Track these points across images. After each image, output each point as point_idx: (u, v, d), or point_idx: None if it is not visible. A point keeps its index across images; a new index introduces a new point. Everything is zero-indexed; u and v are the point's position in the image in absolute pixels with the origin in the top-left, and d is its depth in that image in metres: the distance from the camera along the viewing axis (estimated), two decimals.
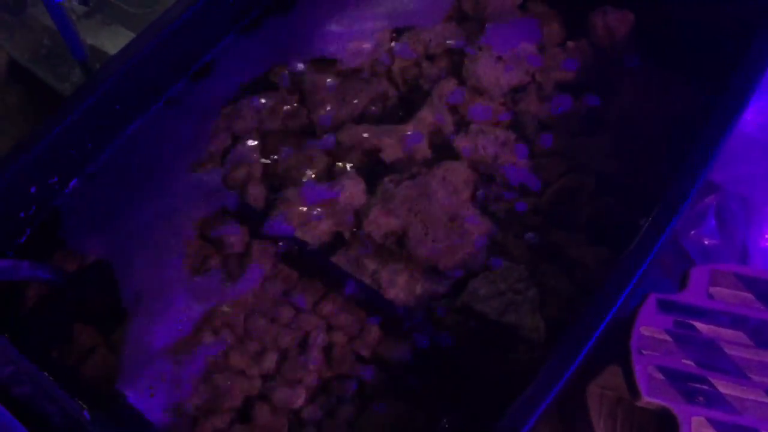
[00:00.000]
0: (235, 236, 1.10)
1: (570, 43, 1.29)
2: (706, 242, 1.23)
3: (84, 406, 0.89)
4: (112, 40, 1.45)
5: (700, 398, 0.87)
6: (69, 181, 1.14)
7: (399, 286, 1.07)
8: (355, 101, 1.26)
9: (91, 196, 1.14)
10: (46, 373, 0.91)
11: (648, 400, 0.88)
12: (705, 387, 0.88)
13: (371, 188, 1.16)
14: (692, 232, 1.23)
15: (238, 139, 1.22)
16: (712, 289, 0.95)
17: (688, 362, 0.89)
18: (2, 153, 1.38)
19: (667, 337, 0.91)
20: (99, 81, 1.11)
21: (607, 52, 1.28)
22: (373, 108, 1.26)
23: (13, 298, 1.07)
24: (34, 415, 0.84)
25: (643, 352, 0.90)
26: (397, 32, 1.33)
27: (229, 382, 0.99)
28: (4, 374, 0.86)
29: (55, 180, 1.11)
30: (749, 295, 0.94)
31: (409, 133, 1.21)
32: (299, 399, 0.99)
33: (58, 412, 0.84)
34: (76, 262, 1.09)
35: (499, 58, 1.28)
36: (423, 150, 1.20)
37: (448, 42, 1.31)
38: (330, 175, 1.19)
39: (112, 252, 1.10)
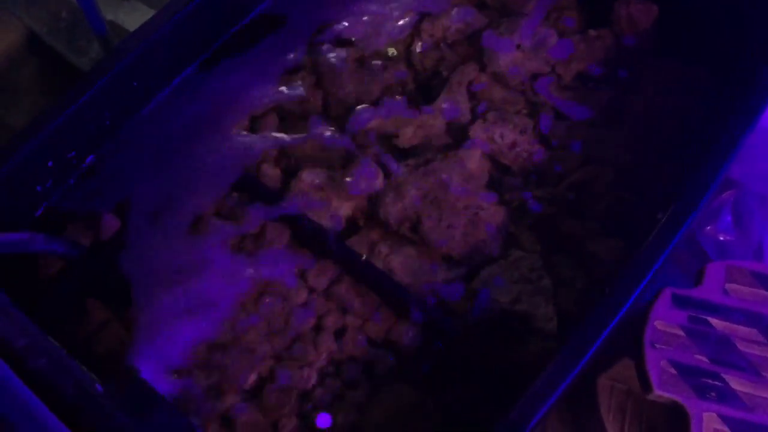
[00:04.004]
0: (251, 216, 1.11)
1: (592, 32, 1.28)
2: (721, 238, 1.22)
3: (96, 378, 0.89)
4: (131, 16, 1.45)
5: (712, 394, 0.87)
6: (86, 156, 1.14)
7: (412, 272, 1.07)
8: (373, 85, 1.25)
9: (108, 171, 1.14)
10: (59, 346, 0.92)
11: (659, 393, 0.88)
12: (717, 383, 0.88)
13: (387, 173, 1.16)
14: (708, 228, 1.23)
15: (256, 119, 1.22)
16: (727, 286, 0.94)
17: (701, 357, 0.89)
18: (19, 126, 1.40)
19: (681, 332, 0.91)
20: (119, 57, 1.11)
21: (629, 43, 1.27)
22: (391, 92, 1.26)
23: (28, 270, 1.07)
24: (48, 387, 0.84)
25: (656, 345, 0.90)
26: (419, 17, 1.32)
27: (240, 361, 0.99)
28: (19, 346, 0.87)
29: (73, 154, 1.12)
30: (764, 293, 0.94)
31: (426, 119, 1.21)
32: (309, 381, 0.99)
33: (71, 384, 0.85)
34: (91, 237, 1.10)
35: (520, 45, 1.27)
36: (440, 136, 1.20)
37: (469, 28, 1.30)
38: (346, 159, 1.19)
39: (127, 227, 1.10)
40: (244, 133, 1.20)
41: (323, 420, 0.95)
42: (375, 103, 1.24)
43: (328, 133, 1.21)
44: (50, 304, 1.04)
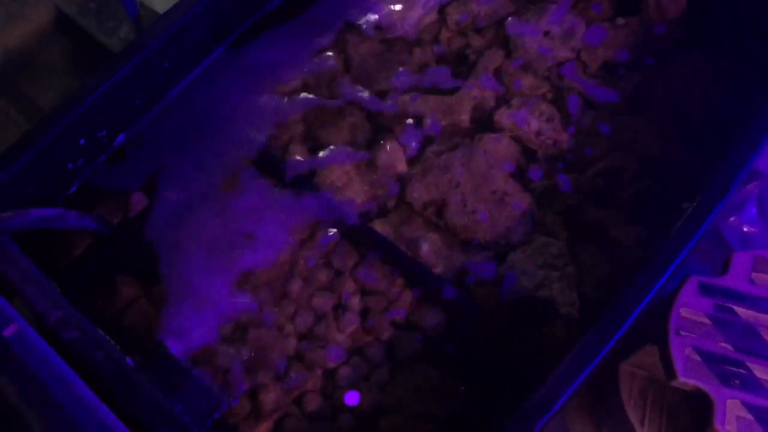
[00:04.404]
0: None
1: (620, 20, 1.27)
2: (745, 229, 1.22)
3: (126, 352, 0.91)
4: None
5: (736, 381, 0.87)
6: (117, 135, 1.15)
7: (436, 256, 1.08)
8: (400, 68, 1.26)
9: (138, 150, 1.16)
10: (90, 320, 0.93)
11: (683, 380, 0.88)
12: (741, 371, 0.88)
13: (412, 156, 1.17)
14: (732, 219, 1.23)
15: (283, 100, 1.22)
16: (754, 275, 0.94)
17: (726, 345, 0.90)
18: (48, 105, 1.42)
19: (706, 320, 0.91)
20: (150, 38, 1.12)
21: (658, 31, 1.26)
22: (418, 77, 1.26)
23: (60, 246, 1.09)
24: (81, 359, 0.86)
25: (681, 333, 0.91)
26: (447, 1, 1.32)
27: (266, 340, 1.01)
28: (52, 318, 0.89)
29: (104, 133, 1.13)
30: None
31: (452, 103, 1.21)
32: (335, 360, 1.00)
33: (103, 357, 0.87)
34: (120, 214, 1.11)
35: (547, 32, 1.27)
36: (466, 121, 1.20)
37: (496, 14, 1.30)
38: (372, 142, 1.20)
39: (156, 205, 1.12)
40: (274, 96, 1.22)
41: (351, 397, 0.97)
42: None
43: (355, 117, 1.21)
44: (81, 279, 1.06)
